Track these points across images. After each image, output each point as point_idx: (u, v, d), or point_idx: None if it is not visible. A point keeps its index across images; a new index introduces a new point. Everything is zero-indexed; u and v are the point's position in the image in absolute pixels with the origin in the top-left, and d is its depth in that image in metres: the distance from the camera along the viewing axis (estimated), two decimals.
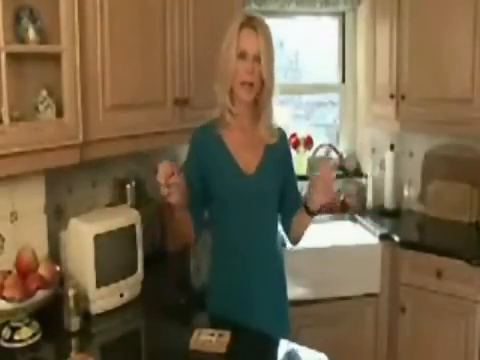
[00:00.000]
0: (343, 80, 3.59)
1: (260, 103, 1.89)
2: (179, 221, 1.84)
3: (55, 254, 2.06)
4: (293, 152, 3.36)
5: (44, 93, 1.87)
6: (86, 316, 1.90)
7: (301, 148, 3.43)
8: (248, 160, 1.90)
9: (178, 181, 1.66)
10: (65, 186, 2.35)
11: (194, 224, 1.91)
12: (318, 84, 3.66)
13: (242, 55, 1.82)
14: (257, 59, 1.82)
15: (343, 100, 3.60)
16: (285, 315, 2.02)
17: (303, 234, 2.02)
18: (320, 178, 1.79)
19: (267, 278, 1.95)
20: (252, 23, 1.83)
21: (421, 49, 2.86)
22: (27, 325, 1.76)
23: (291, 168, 2.04)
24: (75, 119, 1.88)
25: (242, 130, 1.92)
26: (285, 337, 1.86)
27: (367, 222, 3.13)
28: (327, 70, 3.67)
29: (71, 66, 1.85)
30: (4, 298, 1.67)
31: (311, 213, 1.88)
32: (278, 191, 1.95)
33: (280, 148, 1.97)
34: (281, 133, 1.99)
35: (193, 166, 1.92)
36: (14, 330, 1.74)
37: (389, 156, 3.28)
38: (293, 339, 1.82)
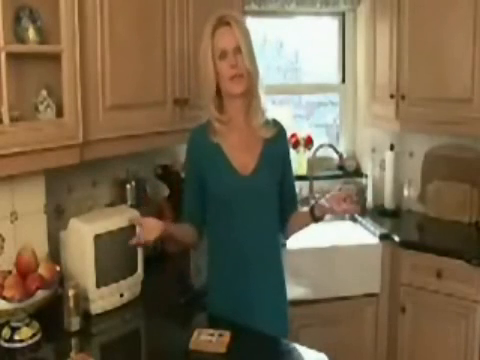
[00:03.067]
0: (343, 80, 3.59)
1: (249, 94, 1.88)
2: (177, 242, 2.00)
3: (55, 254, 2.06)
4: (293, 152, 3.38)
5: (44, 93, 1.87)
6: (86, 316, 1.90)
7: (301, 148, 3.43)
8: (245, 160, 1.89)
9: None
10: (65, 186, 2.35)
11: (197, 228, 1.98)
12: (318, 84, 3.66)
13: (223, 55, 1.83)
14: (237, 50, 1.82)
15: (343, 100, 3.60)
16: (284, 314, 2.01)
17: (297, 233, 2.06)
18: (341, 194, 1.81)
19: (266, 277, 1.94)
20: (223, 20, 1.84)
21: (421, 49, 2.86)
22: (27, 325, 1.76)
23: (289, 164, 2.03)
24: (75, 119, 1.88)
25: (238, 130, 1.92)
26: (284, 336, 1.86)
27: (367, 222, 3.13)
28: (327, 70, 3.67)
29: (71, 66, 1.85)
30: (4, 298, 1.67)
31: (315, 219, 1.90)
32: (277, 189, 1.95)
33: (279, 144, 1.96)
34: (279, 128, 1.98)
35: (191, 169, 1.96)
36: (14, 330, 1.74)
37: (389, 156, 3.28)
38: (293, 339, 1.82)
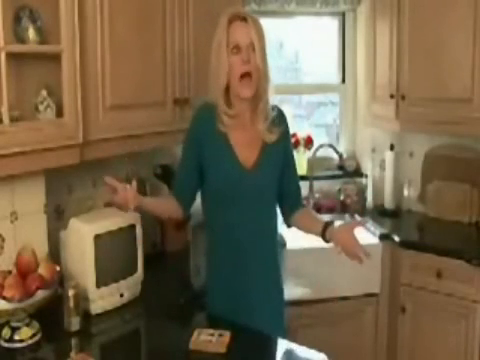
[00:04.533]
0: (343, 80, 3.59)
1: (257, 93, 1.86)
2: (153, 211, 1.94)
3: (55, 254, 2.06)
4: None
5: (44, 93, 1.87)
6: (86, 316, 1.90)
7: (301, 148, 3.43)
8: (248, 154, 1.89)
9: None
10: (65, 186, 2.35)
11: (183, 203, 1.95)
12: (318, 84, 3.66)
13: (236, 48, 1.81)
14: (251, 47, 1.81)
15: (343, 100, 3.60)
16: (281, 312, 2.01)
17: (301, 231, 2.06)
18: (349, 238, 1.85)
19: (264, 274, 1.94)
20: (240, 15, 1.83)
21: (421, 49, 2.86)
22: (27, 325, 1.76)
23: (291, 158, 2.02)
24: (75, 119, 1.88)
25: (243, 126, 1.91)
26: (281, 333, 1.85)
27: (367, 222, 3.13)
28: (327, 70, 3.67)
29: (71, 66, 1.84)
30: (4, 298, 1.67)
31: (325, 240, 1.91)
32: (276, 186, 1.95)
33: (281, 140, 1.94)
34: (283, 127, 1.95)
35: (192, 147, 1.93)
36: (14, 330, 1.75)
37: (389, 156, 3.28)
38: (293, 339, 1.82)
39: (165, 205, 1.97)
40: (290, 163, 2.02)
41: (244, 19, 1.82)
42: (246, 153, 1.89)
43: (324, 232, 1.89)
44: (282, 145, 1.96)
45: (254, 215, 1.91)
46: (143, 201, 1.83)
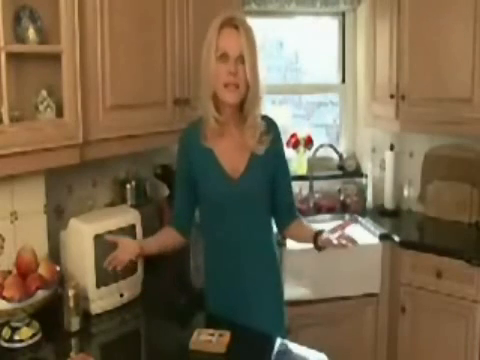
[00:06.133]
0: (343, 80, 3.59)
1: (246, 107, 1.81)
2: (158, 251, 1.96)
3: (55, 254, 2.06)
4: (293, 152, 3.38)
5: (44, 93, 1.87)
6: (86, 316, 1.90)
7: (301, 148, 3.43)
8: (235, 164, 1.86)
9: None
10: (65, 186, 2.35)
11: (183, 230, 1.97)
12: (318, 84, 3.66)
13: (223, 57, 1.75)
14: (240, 59, 1.75)
15: (343, 100, 3.60)
16: (281, 312, 2.01)
17: (296, 242, 2.06)
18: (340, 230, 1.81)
19: (262, 278, 1.94)
20: (233, 22, 1.77)
21: (421, 49, 2.86)
22: (27, 325, 1.76)
23: (284, 166, 1.96)
24: (75, 119, 1.88)
25: (230, 135, 1.87)
26: (281, 334, 1.85)
27: (367, 222, 3.13)
28: (327, 70, 3.67)
29: (71, 66, 1.85)
30: (4, 298, 1.67)
31: (317, 248, 1.88)
32: (268, 193, 1.91)
33: (271, 147, 1.88)
34: (273, 134, 1.89)
35: (182, 168, 1.94)
36: (14, 330, 1.75)
37: (389, 156, 3.28)
38: (293, 339, 1.82)
39: (167, 241, 1.97)
40: (283, 172, 1.95)
41: (236, 27, 1.76)
42: (234, 161, 1.86)
43: (316, 241, 1.86)
44: (272, 153, 1.89)
45: (247, 222, 1.88)
46: (145, 247, 1.90)
